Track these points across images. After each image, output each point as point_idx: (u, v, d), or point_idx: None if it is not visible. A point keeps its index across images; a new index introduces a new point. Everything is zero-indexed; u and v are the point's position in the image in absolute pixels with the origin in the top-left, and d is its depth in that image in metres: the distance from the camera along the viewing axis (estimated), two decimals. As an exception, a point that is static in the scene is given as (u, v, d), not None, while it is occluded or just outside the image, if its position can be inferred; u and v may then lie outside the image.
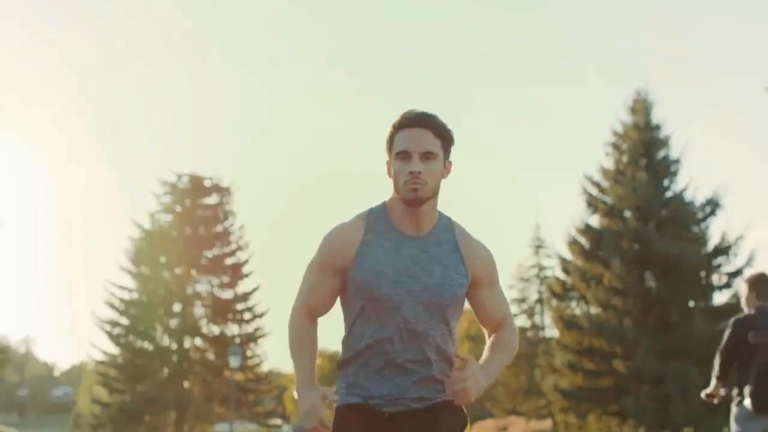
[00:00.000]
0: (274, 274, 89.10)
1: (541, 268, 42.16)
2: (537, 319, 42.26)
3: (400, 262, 3.03)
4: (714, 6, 77.34)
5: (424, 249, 3.05)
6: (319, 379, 5.13)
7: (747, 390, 6.12)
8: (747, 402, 6.13)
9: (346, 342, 3.13)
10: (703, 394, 6.46)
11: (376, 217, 3.11)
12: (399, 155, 3.03)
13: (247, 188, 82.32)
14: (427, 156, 3.01)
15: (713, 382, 6.36)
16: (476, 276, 3.10)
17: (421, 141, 3.01)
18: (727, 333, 6.32)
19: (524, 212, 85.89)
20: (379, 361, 3.04)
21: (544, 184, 75.09)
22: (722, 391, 6.33)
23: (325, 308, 3.17)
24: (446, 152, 3.09)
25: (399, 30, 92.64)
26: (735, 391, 6.24)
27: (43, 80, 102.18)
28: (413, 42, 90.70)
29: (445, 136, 3.07)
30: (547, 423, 37.47)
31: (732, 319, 6.45)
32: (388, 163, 3.11)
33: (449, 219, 3.16)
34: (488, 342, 3.22)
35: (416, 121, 3.04)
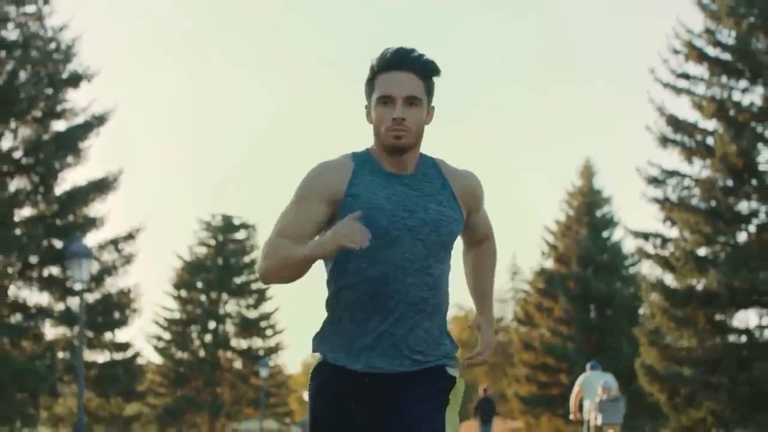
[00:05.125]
0: (292, 297, 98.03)
1: (516, 291, 52.79)
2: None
3: (395, 197, 2.97)
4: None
5: (414, 186, 3.01)
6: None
7: (480, 419, 19.89)
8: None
9: (331, 281, 3.04)
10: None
11: (363, 157, 3.05)
12: (381, 100, 2.95)
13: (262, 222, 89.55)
14: (410, 101, 2.94)
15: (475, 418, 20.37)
16: (469, 206, 3.12)
17: (404, 85, 2.94)
18: (476, 405, 20.67)
19: (524, 212, 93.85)
20: (370, 301, 2.96)
21: (545, 187, 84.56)
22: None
23: (304, 240, 2.96)
24: (430, 95, 3.02)
25: (402, 35, 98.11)
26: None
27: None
28: (416, 46, 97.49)
29: (429, 77, 3.01)
30: (520, 423, 48.06)
31: (478, 400, 20.84)
32: (367, 107, 3.04)
33: (431, 157, 3.12)
34: (470, 256, 3.30)
35: (399, 63, 2.97)
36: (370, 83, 3.01)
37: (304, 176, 3.03)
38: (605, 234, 40.13)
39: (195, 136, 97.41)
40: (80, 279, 18.52)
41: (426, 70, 3.00)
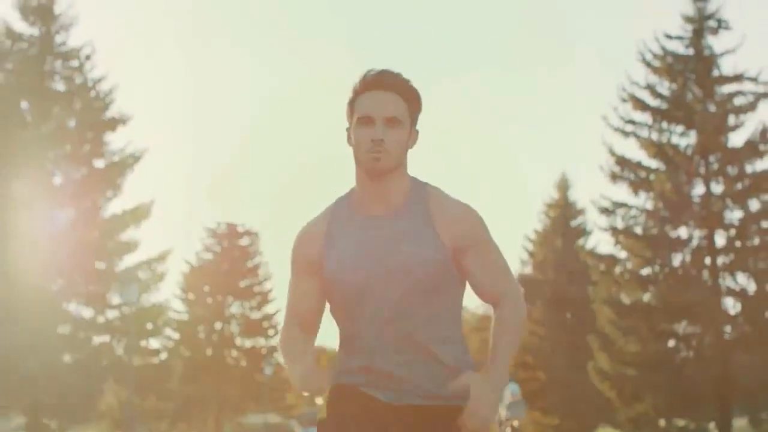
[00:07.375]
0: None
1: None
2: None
3: (364, 248, 2.96)
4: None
5: (391, 228, 2.96)
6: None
7: None
8: None
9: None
10: None
11: (342, 204, 3.05)
12: (361, 120, 2.92)
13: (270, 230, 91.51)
14: (391, 122, 2.91)
15: None
16: (456, 244, 2.97)
17: (385, 105, 2.91)
18: None
19: (518, 196, 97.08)
20: (361, 361, 2.99)
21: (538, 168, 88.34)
22: None
23: (310, 314, 3.09)
24: (413, 118, 2.98)
25: (396, 10, 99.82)
26: None
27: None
28: (409, 22, 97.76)
29: (412, 99, 2.96)
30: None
31: None
32: (348, 130, 2.99)
33: (425, 186, 3.04)
34: (492, 322, 3.11)
35: (380, 82, 2.94)
36: (351, 104, 2.98)
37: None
38: (579, 243, 45.41)
39: (195, 136, 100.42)
40: (129, 300, 23.45)
41: (409, 94, 2.96)
